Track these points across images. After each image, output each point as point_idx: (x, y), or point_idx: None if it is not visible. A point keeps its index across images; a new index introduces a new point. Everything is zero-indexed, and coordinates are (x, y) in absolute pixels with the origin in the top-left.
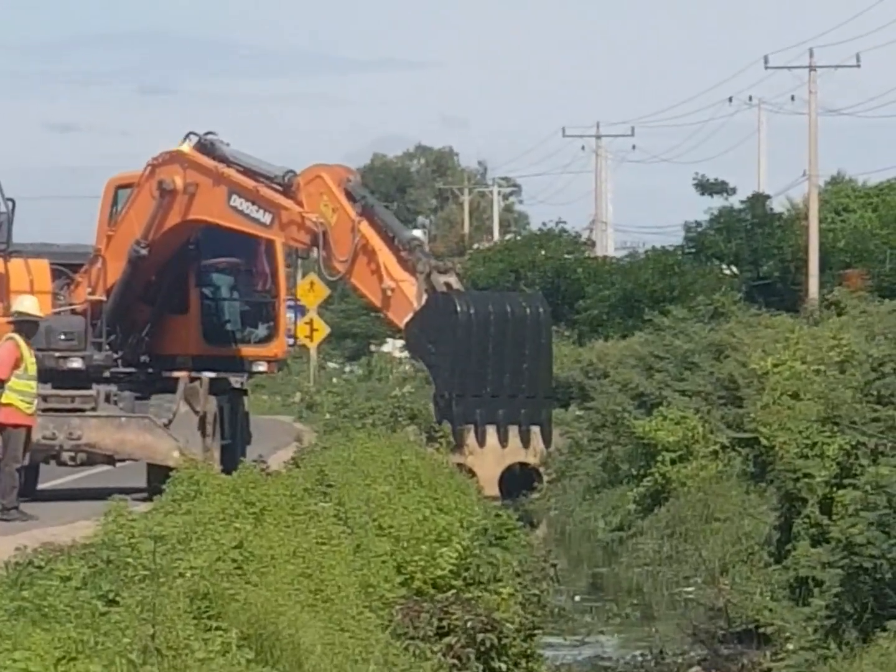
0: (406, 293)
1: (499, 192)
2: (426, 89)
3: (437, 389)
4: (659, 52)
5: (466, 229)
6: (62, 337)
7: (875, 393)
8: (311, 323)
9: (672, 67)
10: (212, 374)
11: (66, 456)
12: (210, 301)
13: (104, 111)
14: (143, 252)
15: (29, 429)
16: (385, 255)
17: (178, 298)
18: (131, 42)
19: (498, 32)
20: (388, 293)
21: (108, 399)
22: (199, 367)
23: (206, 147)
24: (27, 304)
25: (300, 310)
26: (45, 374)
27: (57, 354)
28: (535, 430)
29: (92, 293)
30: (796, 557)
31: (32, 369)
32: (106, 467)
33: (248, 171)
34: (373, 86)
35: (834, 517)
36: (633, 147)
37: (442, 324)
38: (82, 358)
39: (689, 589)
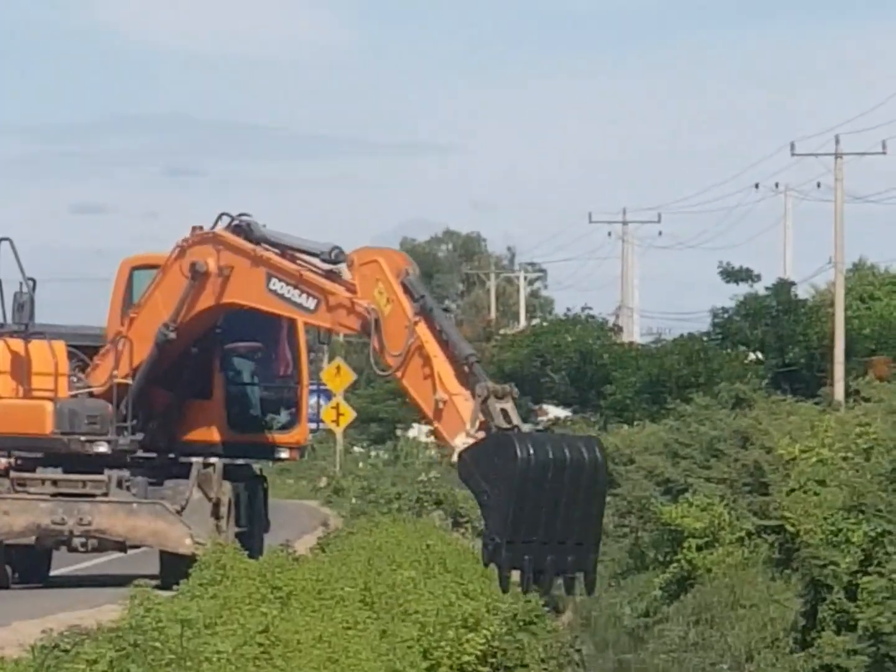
0: (459, 409)
1: (525, 278)
2: (454, 173)
3: (487, 530)
4: (685, 138)
5: (493, 314)
6: (87, 421)
7: None
8: (337, 407)
9: (698, 153)
10: (226, 461)
11: (76, 542)
12: (234, 386)
13: (131, 193)
14: (172, 335)
15: None
16: (440, 364)
17: (202, 383)
18: (157, 124)
19: (526, 117)
20: (440, 405)
21: (119, 484)
22: (225, 453)
23: (241, 229)
24: None
25: (326, 394)
26: (63, 459)
27: (83, 438)
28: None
29: (115, 376)
30: (821, 645)
31: None
32: (117, 554)
33: (289, 252)
34: (401, 169)
35: (859, 604)
36: (660, 233)
37: (499, 466)
38: (108, 442)
39: None
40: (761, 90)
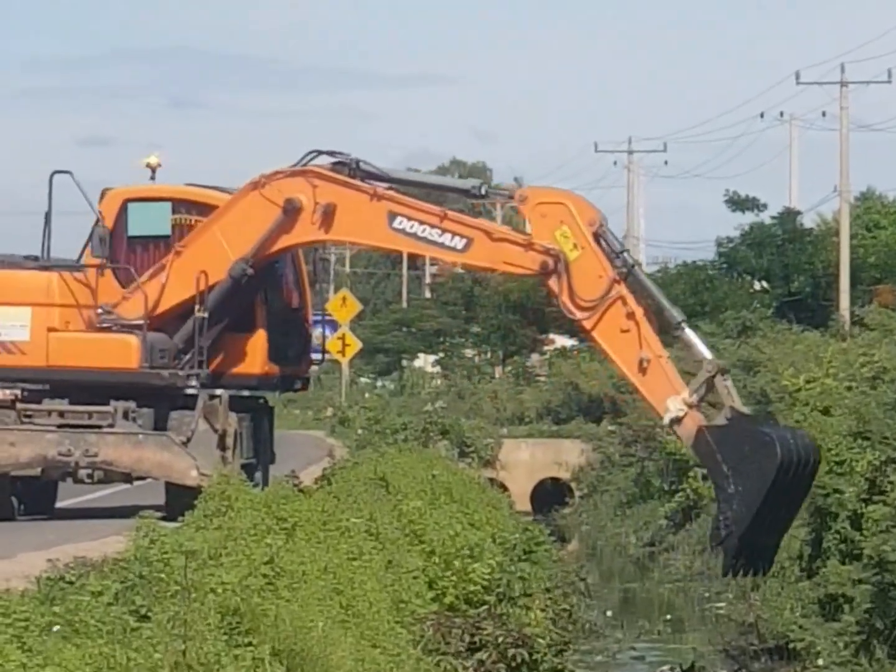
0: (666, 371)
1: None
2: (458, 104)
3: (723, 515)
4: (690, 67)
5: None
6: (160, 355)
7: None
8: (343, 338)
9: (703, 83)
10: (231, 392)
11: (82, 473)
12: (272, 318)
13: (135, 125)
14: (250, 270)
15: None
16: (645, 326)
17: (248, 316)
18: (161, 57)
19: (531, 47)
20: (644, 363)
21: (126, 416)
22: (263, 386)
23: (344, 165)
24: None
25: (332, 325)
26: (73, 390)
27: (166, 373)
28: None
29: (153, 309)
30: (826, 574)
31: None
32: (123, 486)
33: (420, 185)
34: (404, 101)
35: (864, 533)
36: (665, 162)
37: (755, 462)
38: (196, 377)
39: (721, 605)
40: (766, 19)
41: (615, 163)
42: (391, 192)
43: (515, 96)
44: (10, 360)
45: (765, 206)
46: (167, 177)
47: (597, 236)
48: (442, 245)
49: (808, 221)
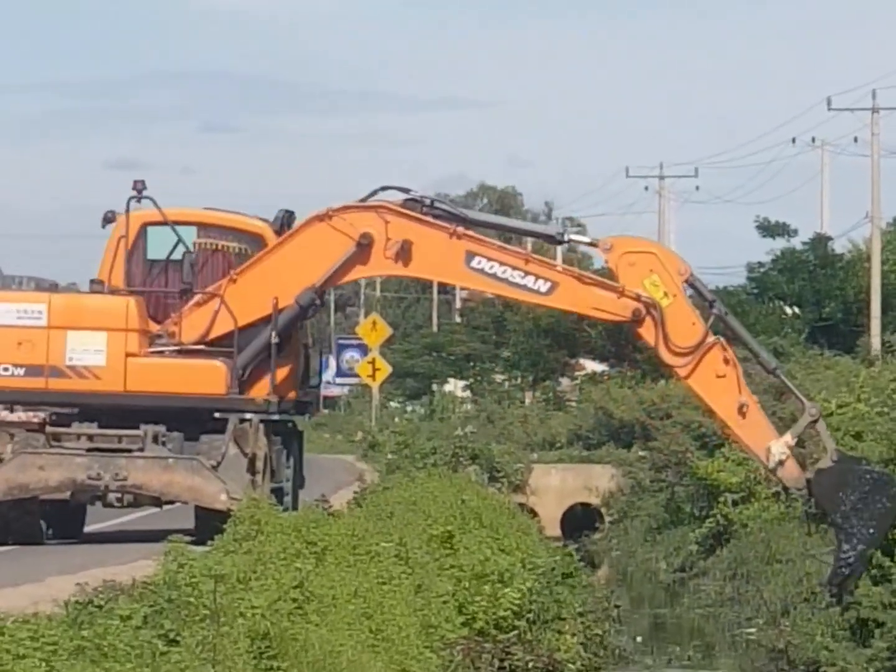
0: (762, 416)
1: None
2: (490, 129)
3: (844, 555)
4: (722, 92)
5: None
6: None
7: None
8: (373, 362)
9: (735, 108)
10: (261, 416)
11: (112, 497)
12: (301, 346)
13: (166, 149)
14: (319, 301)
15: None
16: (740, 371)
17: (286, 343)
18: (193, 80)
19: (563, 72)
20: (744, 409)
21: (155, 439)
22: (297, 411)
23: (421, 203)
24: None
25: (363, 349)
26: (99, 414)
27: (249, 397)
28: None
29: (206, 335)
30: (857, 598)
31: None
32: (152, 509)
33: (500, 228)
34: (436, 125)
35: (895, 558)
36: (697, 188)
37: (877, 503)
38: (270, 402)
39: (751, 630)
40: (798, 44)
41: (646, 188)
42: (471, 233)
43: (547, 121)
44: (85, 385)
45: (795, 231)
46: (197, 201)
47: (690, 284)
48: (525, 287)
49: (840, 247)
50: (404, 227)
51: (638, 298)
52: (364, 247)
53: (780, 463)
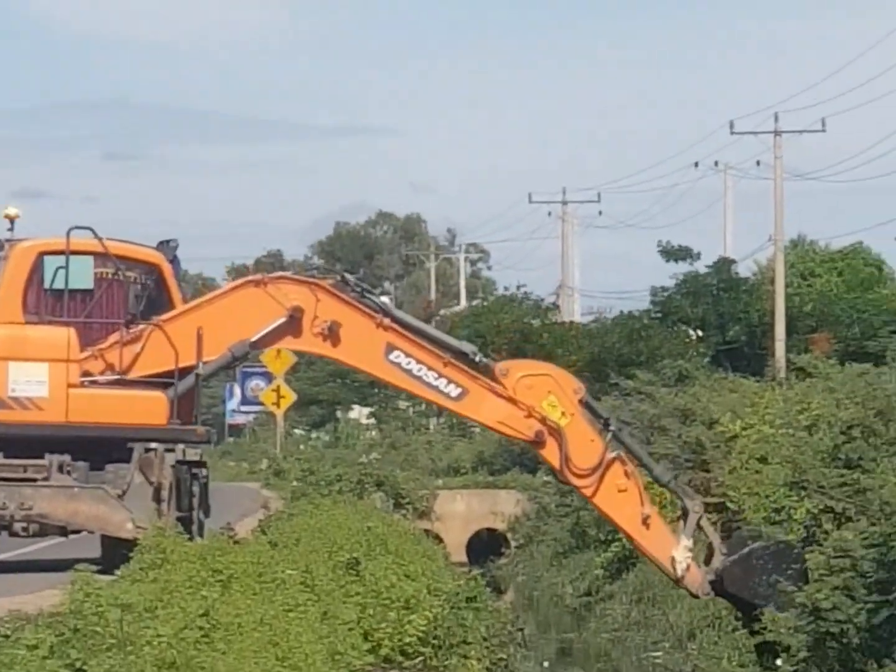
0: (663, 524)
1: (466, 259)
2: (391, 156)
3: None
4: (625, 117)
5: (433, 295)
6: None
7: (842, 457)
8: (277, 390)
9: (638, 133)
10: (167, 445)
11: (17, 526)
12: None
13: (69, 178)
14: (248, 353)
15: None
16: (641, 483)
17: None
18: (95, 110)
19: (464, 99)
20: (647, 520)
21: (61, 469)
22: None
23: (352, 287)
24: None
25: (267, 376)
26: (8, 444)
27: (190, 427)
28: None
29: (124, 372)
30: (764, 622)
31: None
32: (58, 539)
33: (419, 333)
34: (339, 152)
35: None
36: (600, 213)
37: (790, 569)
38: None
39: (657, 654)
40: (700, 69)
41: (550, 213)
42: (396, 327)
43: (449, 148)
44: (28, 416)
45: (698, 255)
46: (98, 229)
47: (584, 403)
48: (436, 389)
49: (744, 270)
50: (334, 308)
51: (543, 421)
52: (295, 319)
53: (687, 569)
